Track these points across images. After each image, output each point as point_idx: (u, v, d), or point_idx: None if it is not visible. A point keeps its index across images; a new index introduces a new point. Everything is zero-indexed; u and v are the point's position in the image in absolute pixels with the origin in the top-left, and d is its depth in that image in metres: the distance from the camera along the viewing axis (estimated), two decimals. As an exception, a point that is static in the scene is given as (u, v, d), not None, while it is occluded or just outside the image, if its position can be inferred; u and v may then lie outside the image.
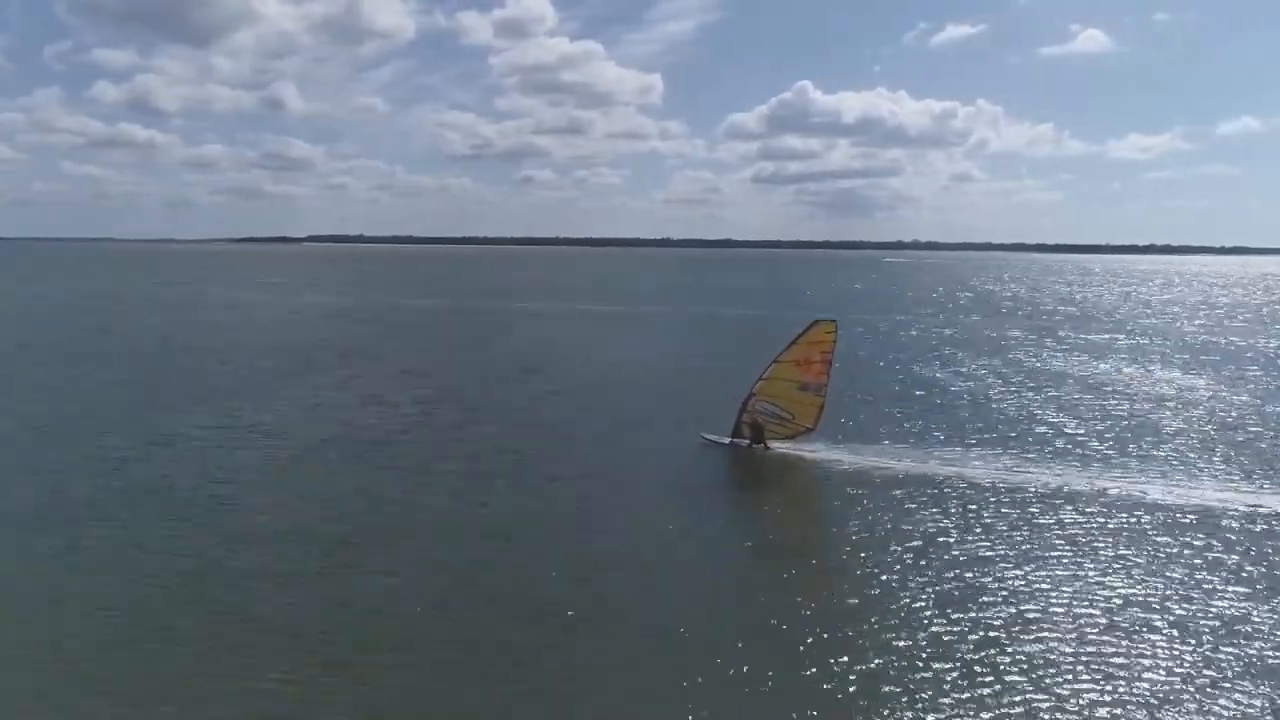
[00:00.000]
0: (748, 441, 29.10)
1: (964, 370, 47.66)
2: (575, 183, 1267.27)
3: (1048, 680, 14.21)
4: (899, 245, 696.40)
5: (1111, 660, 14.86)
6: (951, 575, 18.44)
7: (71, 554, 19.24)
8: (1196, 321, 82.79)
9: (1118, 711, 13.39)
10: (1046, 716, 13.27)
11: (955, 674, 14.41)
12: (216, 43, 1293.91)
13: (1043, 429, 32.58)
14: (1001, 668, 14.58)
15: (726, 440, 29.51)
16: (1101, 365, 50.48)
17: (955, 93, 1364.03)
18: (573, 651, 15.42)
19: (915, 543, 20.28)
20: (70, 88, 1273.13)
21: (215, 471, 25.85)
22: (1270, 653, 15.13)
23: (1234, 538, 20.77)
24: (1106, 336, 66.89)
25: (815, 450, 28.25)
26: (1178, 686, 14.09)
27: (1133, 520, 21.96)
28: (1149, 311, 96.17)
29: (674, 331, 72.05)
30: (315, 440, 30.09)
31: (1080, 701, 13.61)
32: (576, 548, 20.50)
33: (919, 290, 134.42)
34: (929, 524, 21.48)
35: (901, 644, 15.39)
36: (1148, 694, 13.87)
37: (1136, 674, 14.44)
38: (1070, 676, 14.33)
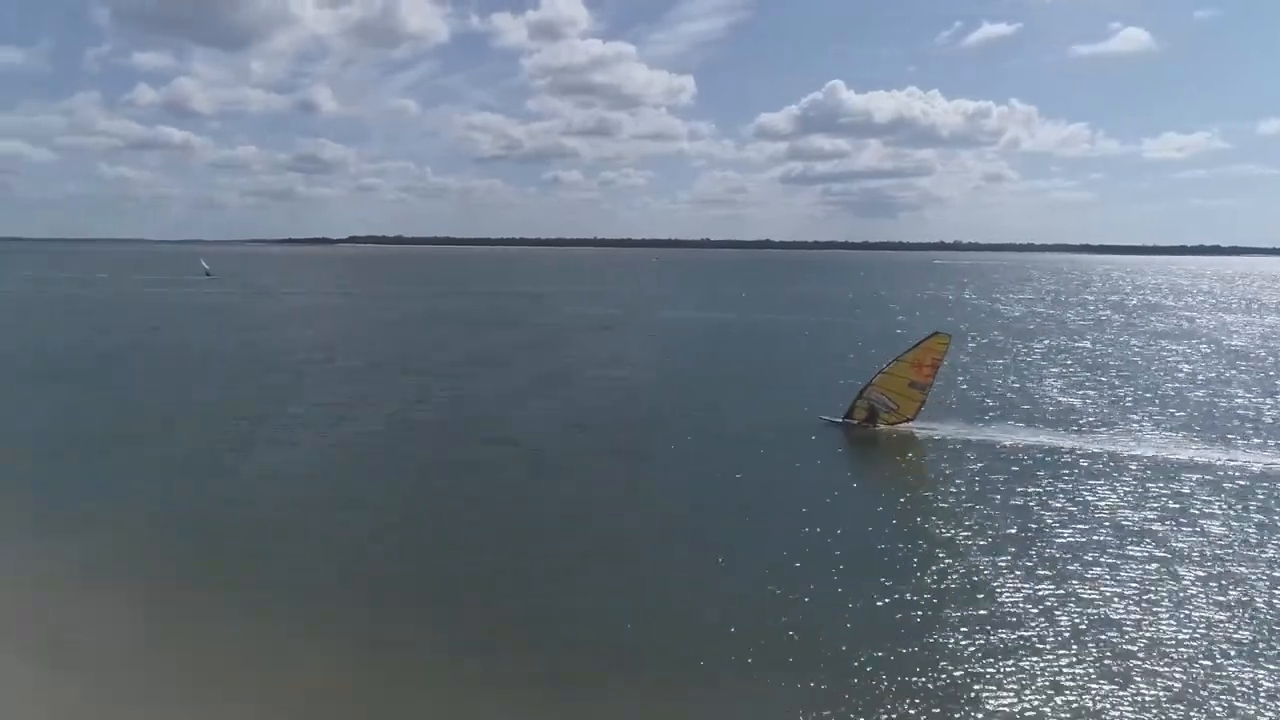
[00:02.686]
0: (857, 422, 34.80)
1: (1069, 362, 52.27)
2: (601, 184, 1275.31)
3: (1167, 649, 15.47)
4: (940, 246, 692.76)
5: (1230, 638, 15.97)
6: (1059, 548, 20.73)
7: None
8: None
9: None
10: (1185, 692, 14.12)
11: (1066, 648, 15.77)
12: (251, 46, 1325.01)
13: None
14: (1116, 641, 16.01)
15: (840, 420, 35.25)
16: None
17: (988, 92, 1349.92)
18: (698, 614, 17.36)
19: (1021, 513, 23.56)
20: (108, 91, 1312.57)
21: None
22: None
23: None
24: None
25: (926, 427, 33.82)
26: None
27: (1241, 494, 25.00)
28: None
29: (770, 334, 75.71)
30: (418, 426, 34.85)
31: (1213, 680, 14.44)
32: (730, 509, 24.59)
33: (990, 291, 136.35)
34: (1034, 495, 25.18)
35: (1021, 618, 17.22)
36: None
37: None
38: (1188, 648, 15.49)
